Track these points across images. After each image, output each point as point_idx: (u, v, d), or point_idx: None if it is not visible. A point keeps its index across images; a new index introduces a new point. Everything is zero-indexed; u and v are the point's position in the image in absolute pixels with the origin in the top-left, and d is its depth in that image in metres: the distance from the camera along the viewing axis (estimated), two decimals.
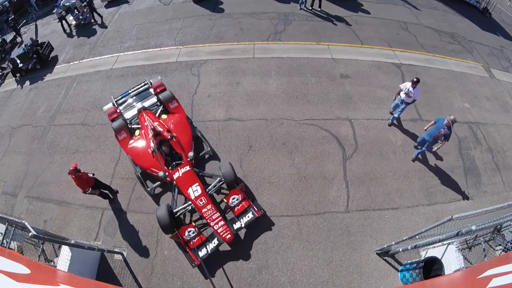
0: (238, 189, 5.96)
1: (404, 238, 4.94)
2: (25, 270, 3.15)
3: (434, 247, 4.80)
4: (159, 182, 6.55)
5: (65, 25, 12.81)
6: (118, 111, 7.41)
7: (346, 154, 7.27)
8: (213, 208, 5.69)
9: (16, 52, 11.47)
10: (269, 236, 6.01)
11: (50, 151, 7.94)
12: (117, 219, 6.42)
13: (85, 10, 12.83)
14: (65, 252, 4.91)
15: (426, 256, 5.14)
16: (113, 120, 7.19)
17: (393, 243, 5.26)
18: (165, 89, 7.66)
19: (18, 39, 13.54)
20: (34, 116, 9.09)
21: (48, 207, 6.82)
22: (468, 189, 6.89)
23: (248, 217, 5.79)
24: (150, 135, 6.32)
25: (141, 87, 8.05)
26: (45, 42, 11.78)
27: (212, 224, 5.58)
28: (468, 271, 3.70)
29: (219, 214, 5.68)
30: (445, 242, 4.50)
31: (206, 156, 7.20)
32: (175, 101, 7.49)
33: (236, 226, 5.73)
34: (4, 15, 14.50)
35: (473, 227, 3.65)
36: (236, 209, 5.88)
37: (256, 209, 5.87)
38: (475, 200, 6.69)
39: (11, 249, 4.26)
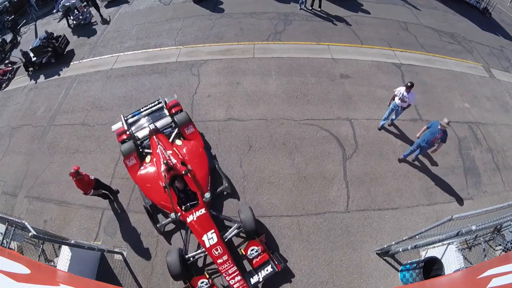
0: (259, 240, 5.35)
1: (404, 238, 4.94)
2: (25, 270, 3.15)
3: (434, 247, 4.80)
4: (171, 218, 5.81)
5: (70, 21, 12.79)
6: (128, 132, 6.76)
7: (346, 154, 7.27)
8: (229, 260, 5.15)
9: (30, 44, 11.03)
10: (269, 236, 6.00)
11: (50, 151, 7.94)
12: (117, 219, 6.42)
13: (85, 10, 12.83)
14: (65, 252, 4.91)
15: (426, 256, 5.14)
16: (122, 142, 6.65)
17: (393, 243, 5.26)
18: (181, 110, 7.04)
19: (18, 39, 13.54)
20: (34, 116, 9.09)
21: (48, 207, 6.82)
22: (468, 189, 6.89)
23: (267, 270, 5.20)
24: (162, 168, 5.62)
25: (155, 105, 7.23)
26: (61, 35, 11.58)
27: (227, 278, 5.06)
28: (468, 271, 3.70)
29: (236, 268, 5.12)
30: (445, 242, 4.50)
31: (224, 192, 6.51)
32: (192, 126, 6.78)
33: (254, 280, 5.14)
34: (4, 15, 14.49)
35: (473, 227, 3.65)
36: (254, 262, 5.27)
37: (276, 263, 5.25)
38: (475, 200, 6.69)
39: (11, 249, 4.26)
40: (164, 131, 6.90)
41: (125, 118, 7.04)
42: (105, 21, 12.79)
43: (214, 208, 6.10)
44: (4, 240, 4.23)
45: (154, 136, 6.53)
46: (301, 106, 8.30)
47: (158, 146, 6.22)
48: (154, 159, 6.20)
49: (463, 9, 13.47)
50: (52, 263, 5.07)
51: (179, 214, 5.49)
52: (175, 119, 6.82)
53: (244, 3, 12.33)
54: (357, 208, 6.38)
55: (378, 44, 10.47)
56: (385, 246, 5.45)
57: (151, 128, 6.68)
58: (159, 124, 6.88)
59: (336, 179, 6.83)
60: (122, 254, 5.86)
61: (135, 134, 6.77)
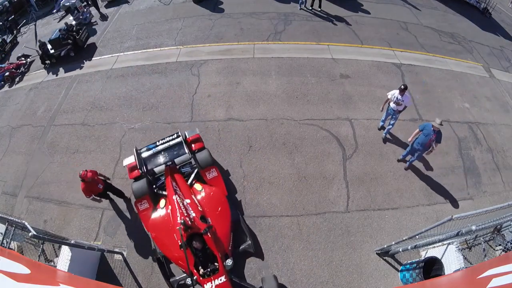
0: None
1: (404, 238, 4.94)
2: (25, 270, 3.14)
3: (434, 247, 4.80)
4: (186, 280, 5.02)
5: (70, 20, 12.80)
6: (141, 170, 5.82)
7: (346, 154, 7.27)
8: None
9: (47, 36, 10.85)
10: (269, 236, 6.00)
11: (50, 151, 7.94)
12: (117, 219, 6.42)
13: (85, 10, 12.83)
14: (65, 252, 4.91)
15: (426, 256, 5.14)
16: (134, 179, 5.90)
17: (393, 243, 5.26)
18: (203, 148, 6.19)
19: (18, 39, 13.55)
20: (34, 116, 9.09)
21: (48, 207, 6.82)
22: (468, 189, 6.88)
23: None
24: (179, 219, 4.83)
25: (173, 139, 6.28)
26: (81, 28, 11.32)
27: None
28: (468, 271, 3.69)
29: None
30: (445, 242, 4.50)
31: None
32: (215, 170, 5.90)
33: None
34: (4, 15, 14.50)
35: (473, 227, 3.65)
36: None
37: None
38: (475, 200, 6.69)
39: (11, 249, 4.27)
40: (182, 170, 6.25)
41: (138, 152, 6.19)
42: (104, 18, 12.78)
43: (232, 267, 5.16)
44: (4, 240, 4.23)
45: (171, 177, 5.73)
46: (301, 106, 8.30)
47: (175, 192, 5.36)
48: (170, 207, 5.32)
49: (463, 9, 13.47)
50: (52, 263, 5.07)
51: (195, 277, 4.77)
52: (196, 158, 6.00)
53: (244, 3, 12.33)
54: (357, 208, 6.38)
55: (378, 44, 10.47)
56: (385, 246, 5.45)
57: (167, 166, 5.94)
58: (177, 161, 6.10)
59: (336, 179, 6.83)
60: (122, 254, 5.86)
61: (149, 171, 5.99)
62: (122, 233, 6.21)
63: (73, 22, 11.89)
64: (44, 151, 7.98)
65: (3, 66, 11.54)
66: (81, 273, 4.69)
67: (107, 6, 13.92)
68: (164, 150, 6.21)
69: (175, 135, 6.34)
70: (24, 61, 11.50)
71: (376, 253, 5.75)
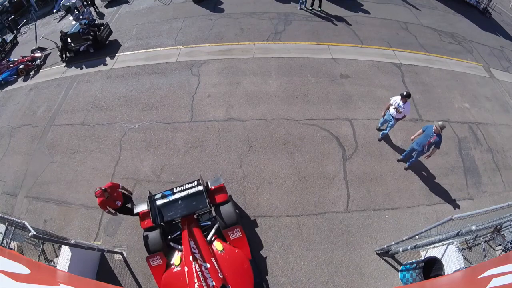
0: None
1: (404, 238, 4.94)
2: (25, 270, 3.15)
3: (434, 247, 4.79)
4: None
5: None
6: (154, 220, 5.10)
7: (346, 154, 7.27)
8: None
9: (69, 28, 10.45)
10: (269, 236, 6.00)
11: (50, 151, 7.94)
12: (117, 219, 6.41)
13: (85, 9, 12.83)
14: (65, 252, 4.91)
15: (426, 256, 5.14)
16: (146, 230, 5.19)
17: (393, 243, 5.25)
18: (227, 201, 5.37)
19: (19, 39, 13.55)
20: (34, 116, 9.09)
21: (48, 207, 6.82)
22: (468, 189, 6.88)
23: None
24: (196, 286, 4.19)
25: (192, 187, 5.37)
26: (104, 23, 10.92)
27: None
28: (468, 271, 3.69)
29: None
30: (445, 242, 4.50)
31: None
32: (239, 230, 5.10)
33: None
34: (4, 15, 14.51)
35: (473, 227, 3.65)
36: None
37: None
38: (475, 200, 6.69)
39: (11, 249, 4.26)
40: (202, 224, 5.52)
41: (153, 199, 5.36)
42: (101, 17, 12.78)
43: None
44: (4, 240, 4.23)
45: (188, 231, 4.94)
46: (301, 106, 8.30)
47: (193, 254, 4.55)
48: (186, 269, 4.49)
49: (463, 9, 13.47)
50: (52, 263, 5.06)
51: None
52: (219, 213, 5.21)
53: (244, 3, 12.33)
54: (357, 208, 6.38)
55: (378, 44, 10.48)
56: (385, 246, 5.45)
57: (185, 218, 5.19)
58: (196, 213, 5.41)
59: (336, 179, 6.83)
60: (122, 254, 5.86)
61: (164, 222, 5.21)
62: (122, 233, 6.21)
63: (94, 17, 11.63)
64: (44, 151, 7.98)
65: (15, 59, 11.36)
66: (81, 273, 4.70)
67: (107, 6, 13.93)
68: (182, 199, 5.31)
69: (196, 183, 5.43)
70: (39, 54, 11.24)
71: (376, 253, 5.75)
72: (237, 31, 10.94)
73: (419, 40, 10.99)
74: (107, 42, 10.92)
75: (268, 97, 8.54)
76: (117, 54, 10.64)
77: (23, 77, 10.78)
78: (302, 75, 9.18)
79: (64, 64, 10.70)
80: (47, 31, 13.46)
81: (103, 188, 5.14)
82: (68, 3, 12.72)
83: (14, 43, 13.24)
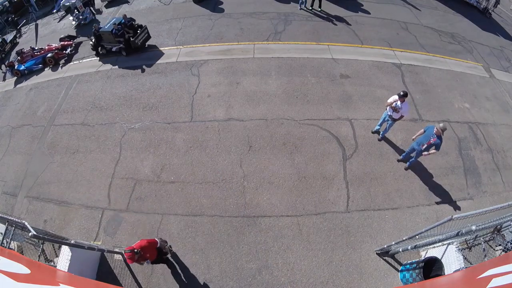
0: None
1: (404, 238, 4.93)
2: (25, 270, 3.14)
3: (434, 247, 4.80)
4: None
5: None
6: None
7: (346, 154, 7.27)
8: None
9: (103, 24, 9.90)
10: (269, 236, 6.00)
11: (50, 151, 7.94)
12: (117, 219, 6.42)
13: (85, 10, 12.84)
14: (65, 252, 4.91)
15: (426, 256, 5.14)
16: None
17: (393, 243, 5.25)
18: None
19: (18, 39, 13.55)
20: (34, 116, 9.09)
21: (48, 207, 6.82)
22: (468, 189, 6.88)
23: None
24: None
25: None
26: (142, 26, 9.86)
27: None
28: (468, 271, 3.69)
29: None
30: (445, 242, 4.50)
31: None
32: None
33: None
34: (4, 15, 14.52)
35: (473, 227, 3.65)
36: None
37: None
38: (475, 200, 6.68)
39: (11, 249, 4.26)
40: None
41: None
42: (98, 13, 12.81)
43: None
44: (4, 240, 4.23)
45: None
46: (301, 106, 8.30)
47: None
48: None
49: (463, 9, 13.47)
50: (52, 263, 5.06)
51: None
52: None
53: (244, 3, 12.33)
54: (357, 208, 6.38)
55: (378, 44, 10.47)
56: (385, 246, 5.45)
57: None
58: None
59: (336, 179, 6.83)
60: (122, 254, 5.85)
61: None
62: (122, 233, 6.20)
63: (127, 19, 10.41)
64: (44, 151, 7.98)
65: (41, 48, 10.90)
66: (81, 273, 4.70)
67: (107, 6, 13.93)
68: None
69: None
70: (70, 42, 10.69)
71: (376, 253, 5.75)
72: (237, 31, 10.94)
73: (419, 40, 10.99)
74: (145, 46, 10.11)
75: (268, 97, 8.54)
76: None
77: (51, 66, 10.35)
78: (302, 75, 9.18)
79: (99, 58, 10.29)
80: (47, 31, 13.46)
81: (135, 249, 4.32)
82: (68, 3, 12.72)
83: (14, 43, 13.24)
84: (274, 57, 9.78)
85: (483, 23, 12.88)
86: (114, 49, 9.75)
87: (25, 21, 14.69)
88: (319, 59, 9.71)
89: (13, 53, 11.80)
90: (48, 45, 11.14)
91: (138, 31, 9.71)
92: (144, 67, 9.84)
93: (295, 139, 7.54)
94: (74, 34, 11.77)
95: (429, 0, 13.58)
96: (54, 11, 14.44)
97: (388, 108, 6.59)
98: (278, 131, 7.70)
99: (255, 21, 11.38)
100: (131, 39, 9.30)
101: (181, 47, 10.47)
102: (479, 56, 10.92)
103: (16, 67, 10.91)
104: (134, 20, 9.81)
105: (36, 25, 12.70)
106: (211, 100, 8.52)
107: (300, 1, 11.99)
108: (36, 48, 11.24)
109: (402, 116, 6.57)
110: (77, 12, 12.68)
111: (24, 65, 10.74)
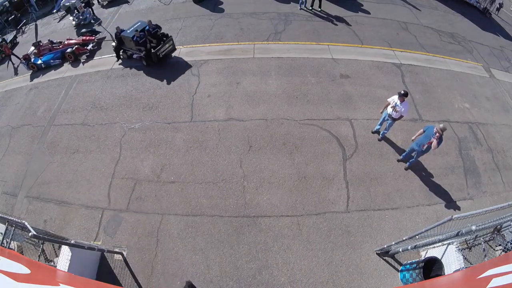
0: None
1: (404, 238, 4.93)
2: (25, 270, 3.14)
3: (434, 247, 4.80)
4: None
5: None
6: None
7: (346, 154, 7.27)
8: None
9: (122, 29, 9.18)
10: (269, 236, 6.00)
11: (50, 151, 7.94)
12: (117, 219, 6.41)
13: (85, 10, 12.84)
14: (65, 252, 4.91)
15: (426, 256, 5.14)
16: None
17: (393, 243, 5.25)
18: None
19: (18, 39, 13.55)
20: (34, 116, 9.08)
21: (48, 207, 6.81)
22: (468, 189, 6.88)
23: None
24: None
25: None
26: (167, 36, 9.04)
27: None
28: (468, 271, 3.69)
29: None
30: (445, 242, 4.50)
31: None
32: None
33: None
34: (5, 15, 14.53)
35: (473, 227, 3.65)
36: None
37: None
38: (475, 200, 6.68)
39: (11, 249, 4.26)
40: None
41: None
42: (97, 20, 12.78)
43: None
44: (4, 240, 4.22)
45: None
46: (301, 106, 8.30)
47: None
48: None
49: (463, 9, 13.48)
50: (52, 263, 5.06)
51: None
52: None
53: (244, 3, 12.33)
54: (357, 208, 6.38)
55: (378, 44, 10.47)
56: (385, 246, 5.45)
57: None
58: None
59: (336, 179, 6.83)
60: (122, 254, 5.86)
61: None
62: (122, 233, 6.20)
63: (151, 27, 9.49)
64: (44, 151, 7.98)
65: (60, 41, 10.38)
66: (81, 273, 4.70)
67: (107, 6, 13.93)
68: None
69: None
70: (92, 37, 10.08)
71: (376, 253, 5.75)
72: (237, 31, 10.94)
73: (419, 40, 10.99)
74: (166, 59, 9.18)
75: (268, 97, 8.54)
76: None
77: (70, 62, 9.93)
78: (302, 75, 9.18)
79: (119, 62, 9.88)
80: (47, 31, 13.45)
81: None
82: (68, 3, 12.71)
83: (14, 43, 13.23)
84: (274, 57, 9.78)
85: (483, 23, 12.88)
86: (135, 56, 9.26)
87: (25, 21, 14.69)
88: (319, 59, 9.71)
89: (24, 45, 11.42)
90: (68, 39, 10.57)
91: (163, 40, 8.85)
92: (144, 67, 9.84)
93: (295, 139, 7.54)
94: (95, 29, 11.10)
95: (429, 0, 13.58)
96: (54, 11, 14.44)
97: (388, 107, 6.61)
98: (278, 131, 7.70)
99: (255, 21, 11.38)
100: (152, 51, 8.55)
101: (181, 47, 10.46)
102: (479, 56, 10.92)
103: (32, 60, 10.40)
104: (159, 28, 9.03)
105: (36, 26, 12.67)
106: (211, 100, 8.52)
107: (300, 1, 11.99)
108: (55, 42, 10.75)
109: (401, 116, 6.57)
110: (77, 12, 12.68)
111: (41, 59, 10.27)
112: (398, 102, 6.33)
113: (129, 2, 13.83)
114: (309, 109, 8.21)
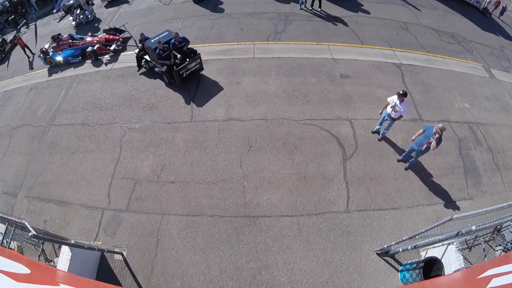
0: None
1: (404, 238, 4.93)
2: (25, 270, 3.14)
3: (434, 247, 4.79)
4: None
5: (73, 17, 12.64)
6: None
7: (346, 154, 7.27)
8: None
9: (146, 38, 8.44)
10: (269, 236, 6.00)
11: (50, 151, 7.94)
12: (117, 219, 6.41)
13: (88, 7, 12.83)
14: (65, 252, 4.91)
15: (426, 256, 5.14)
16: None
17: (393, 243, 5.25)
18: None
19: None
20: (34, 116, 9.08)
21: (48, 207, 6.81)
22: (468, 189, 6.88)
23: None
24: None
25: None
26: (196, 53, 8.06)
27: None
28: (468, 271, 3.69)
29: None
30: (445, 242, 4.50)
31: None
32: None
33: None
34: (4, 15, 14.53)
35: (473, 227, 3.65)
36: None
37: None
38: (475, 200, 6.68)
39: (11, 249, 4.26)
40: None
41: None
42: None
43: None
44: (4, 240, 4.22)
45: None
46: (301, 106, 8.30)
47: None
48: None
49: (463, 9, 13.48)
50: (52, 263, 5.06)
51: None
52: None
53: (244, 3, 12.34)
54: (357, 208, 6.38)
55: (378, 44, 10.48)
56: (385, 246, 5.44)
57: None
58: None
59: (336, 179, 6.83)
60: (122, 254, 5.85)
61: None
62: (122, 233, 6.20)
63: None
64: (44, 151, 7.98)
65: (81, 37, 9.67)
66: (81, 273, 4.70)
67: (107, 6, 13.94)
68: None
69: None
70: (117, 37, 9.38)
71: (376, 253, 5.75)
72: (237, 31, 10.94)
73: (419, 40, 10.99)
74: (198, 77, 8.30)
75: (268, 97, 8.54)
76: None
77: (91, 61, 9.43)
78: (302, 75, 9.18)
79: (140, 72, 9.17)
80: (47, 31, 13.45)
81: None
82: (71, 1, 12.71)
83: (15, 43, 13.23)
84: (274, 57, 9.78)
85: (483, 23, 12.89)
86: (156, 69, 8.45)
87: (25, 21, 14.70)
88: (319, 59, 9.71)
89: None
90: (90, 35, 9.92)
91: (190, 58, 7.83)
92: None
93: (295, 139, 7.54)
94: (120, 28, 10.36)
95: (429, 0, 13.59)
96: (54, 11, 14.45)
97: (388, 107, 6.62)
98: (278, 131, 7.70)
99: (255, 21, 11.38)
100: (175, 69, 7.60)
101: None
102: (479, 56, 10.92)
103: (50, 55, 9.93)
104: (187, 42, 8.01)
105: (35, 26, 12.69)
106: (211, 100, 8.51)
107: (300, 1, 12.00)
108: (75, 37, 10.17)
109: (401, 116, 6.57)
110: (78, 11, 12.66)
111: (60, 54, 9.81)
112: (398, 102, 6.33)
113: (129, 2, 13.83)
114: (309, 109, 8.21)
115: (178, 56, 8.10)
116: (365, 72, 9.38)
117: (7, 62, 12.20)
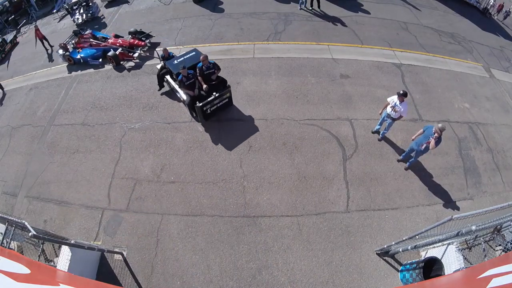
0: None
1: (404, 238, 4.94)
2: (25, 270, 3.14)
3: (434, 247, 4.80)
4: None
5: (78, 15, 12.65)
6: None
7: (346, 154, 7.27)
8: None
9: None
10: (269, 236, 6.00)
11: (50, 151, 7.94)
12: (117, 219, 6.41)
13: (93, 4, 12.86)
14: (65, 252, 4.91)
15: (426, 256, 5.14)
16: None
17: (393, 243, 5.25)
18: None
19: (18, 39, 13.54)
20: (34, 116, 9.08)
21: (48, 207, 6.81)
22: (468, 189, 6.88)
23: None
24: None
25: None
26: (226, 84, 7.17)
27: None
28: (468, 271, 3.69)
29: None
30: (445, 242, 4.50)
31: None
32: None
33: None
34: (4, 15, 14.53)
35: (473, 227, 3.65)
36: None
37: None
38: (475, 200, 6.68)
39: (11, 249, 4.26)
40: None
41: None
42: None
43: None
44: (4, 240, 4.22)
45: None
46: (301, 106, 8.30)
47: None
48: None
49: (463, 9, 13.48)
50: (52, 263, 5.06)
51: None
52: None
53: (244, 3, 12.34)
54: (357, 208, 6.38)
55: (378, 44, 10.48)
56: (385, 246, 5.45)
57: None
58: None
59: (336, 179, 6.83)
60: (122, 254, 5.86)
61: None
62: (122, 233, 6.20)
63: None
64: (44, 151, 7.97)
65: (104, 37, 8.94)
66: (81, 273, 4.70)
67: (107, 6, 13.93)
68: None
69: None
70: (143, 42, 8.53)
71: (376, 253, 5.75)
72: (237, 31, 10.94)
73: (419, 40, 10.99)
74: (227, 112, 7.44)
75: (268, 97, 8.54)
76: None
77: (112, 66, 8.94)
78: (302, 75, 9.18)
79: (161, 92, 8.51)
80: (46, 31, 13.44)
81: None
82: (72, 1, 12.75)
83: (14, 43, 13.24)
84: (274, 57, 9.78)
85: (483, 23, 12.89)
86: (178, 94, 7.34)
87: (25, 21, 14.70)
88: (319, 59, 9.71)
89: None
90: (114, 35, 9.29)
91: (215, 93, 6.67)
92: (144, 67, 9.83)
93: (295, 139, 7.54)
94: (148, 33, 9.59)
95: (429, 0, 13.59)
96: (54, 11, 14.45)
97: (388, 107, 6.62)
98: (278, 131, 7.70)
99: (255, 21, 11.38)
100: (198, 103, 6.46)
101: (181, 47, 10.46)
102: (479, 56, 10.92)
103: (69, 52, 9.58)
104: (217, 69, 6.82)
105: (35, 26, 12.70)
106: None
107: (300, 1, 12.00)
108: (97, 35, 9.56)
109: (401, 116, 6.57)
110: (82, 10, 12.64)
111: (79, 53, 9.39)
112: (398, 102, 6.33)
113: (129, 2, 13.83)
114: (309, 109, 8.21)
115: (204, 86, 6.85)
116: (365, 72, 9.38)
117: (7, 62, 12.20)
